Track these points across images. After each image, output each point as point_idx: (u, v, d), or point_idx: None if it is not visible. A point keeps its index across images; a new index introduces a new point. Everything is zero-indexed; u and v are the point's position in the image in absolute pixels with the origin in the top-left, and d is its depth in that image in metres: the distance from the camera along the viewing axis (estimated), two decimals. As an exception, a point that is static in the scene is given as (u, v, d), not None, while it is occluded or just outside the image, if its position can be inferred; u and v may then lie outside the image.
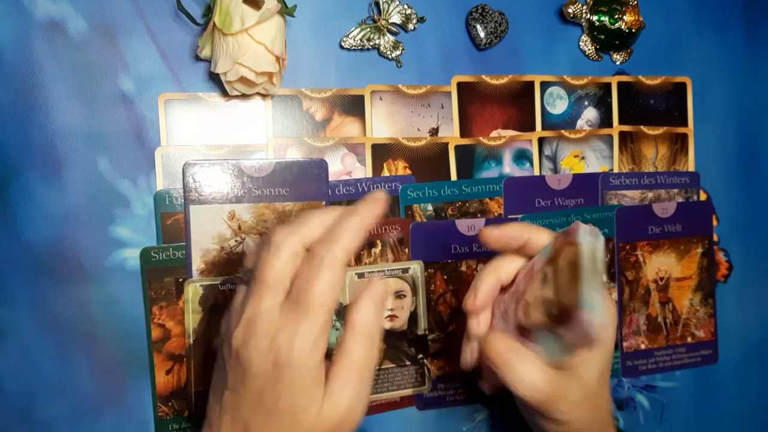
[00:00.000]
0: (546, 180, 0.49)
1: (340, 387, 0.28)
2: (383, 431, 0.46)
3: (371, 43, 0.45)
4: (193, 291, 0.41)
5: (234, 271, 0.42)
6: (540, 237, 0.35)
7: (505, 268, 0.36)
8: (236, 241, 0.42)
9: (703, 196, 0.54)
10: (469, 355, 0.38)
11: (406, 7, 0.45)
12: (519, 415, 0.40)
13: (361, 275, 0.44)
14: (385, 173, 0.46)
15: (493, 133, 0.48)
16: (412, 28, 0.46)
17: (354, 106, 0.45)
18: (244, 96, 0.42)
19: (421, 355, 0.46)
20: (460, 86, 0.47)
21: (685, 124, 0.54)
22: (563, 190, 0.49)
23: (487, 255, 0.47)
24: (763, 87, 0.56)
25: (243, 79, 0.38)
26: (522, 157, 0.49)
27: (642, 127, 0.52)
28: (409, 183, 0.46)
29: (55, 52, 0.40)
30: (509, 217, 0.48)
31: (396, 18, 0.45)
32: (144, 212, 0.41)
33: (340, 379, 0.29)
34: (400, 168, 0.46)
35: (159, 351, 0.41)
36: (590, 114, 0.51)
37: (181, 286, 0.41)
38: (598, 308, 0.29)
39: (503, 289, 0.37)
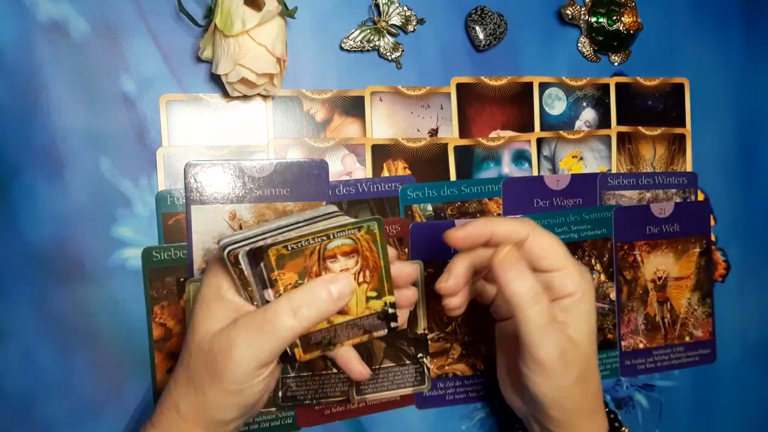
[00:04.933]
0: (545, 180, 0.49)
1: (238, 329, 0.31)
2: (383, 430, 0.46)
3: (371, 45, 0.45)
4: (195, 290, 0.41)
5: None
6: (503, 227, 0.36)
7: (479, 253, 0.37)
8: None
9: (700, 197, 0.54)
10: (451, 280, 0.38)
11: (405, 8, 0.46)
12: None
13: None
14: (385, 173, 0.46)
15: (492, 134, 0.49)
16: (412, 29, 0.46)
17: (354, 107, 0.45)
18: (245, 97, 0.42)
19: (420, 355, 0.46)
20: (460, 87, 0.48)
21: (683, 124, 0.54)
22: (562, 191, 0.50)
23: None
24: (762, 87, 0.56)
25: (244, 81, 0.39)
26: (521, 157, 0.49)
27: (640, 127, 0.53)
28: (409, 183, 0.46)
29: (56, 53, 0.40)
30: (508, 217, 0.48)
31: (396, 20, 0.46)
32: (145, 212, 0.41)
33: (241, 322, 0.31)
34: (400, 168, 0.46)
35: (160, 350, 0.41)
36: (588, 115, 0.51)
37: (183, 286, 0.41)
38: None
39: (477, 273, 0.38)
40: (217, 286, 0.32)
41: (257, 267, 0.31)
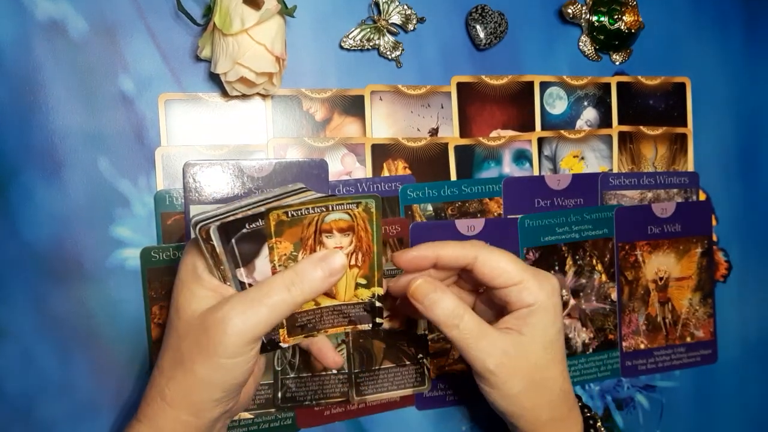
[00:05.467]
0: (545, 180, 0.49)
1: (232, 304, 0.31)
2: (383, 431, 0.46)
3: (371, 44, 0.45)
4: None
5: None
6: (449, 252, 0.37)
7: (447, 250, 0.37)
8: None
9: (702, 196, 0.54)
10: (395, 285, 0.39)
11: (405, 7, 0.45)
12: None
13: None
14: (385, 173, 0.46)
15: (493, 134, 0.48)
16: (412, 28, 0.46)
17: (354, 107, 0.45)
18: (244, 96, 0.42)
19: (421, 355, 0.46)
20: (460, 86, 0.47)
21: (684, 124, 0.54)
22: (563, 191, 0.49)
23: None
24: (763, 87, 0.56)
25: (243, 80, 0.38)
26: (521, 157, 0.49)
27: (641, 127, 0.52)
28: (409, 183, 0.46)
29: (55, 52, 0.40)
30: (509, 217, 0.48)
31: (396, 18, 0.45)
32: (144, 212, 0.41)
33: (237, 299, 0.31)
34: (400, 168, 0.46)
35: (159, 351, 0.41)
36: (590, 114, 0.51)
37: (182, 286, 0.41)
38: None
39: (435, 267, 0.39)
40: (193, 267, 0.32)
41: (228, 243, 0.31)
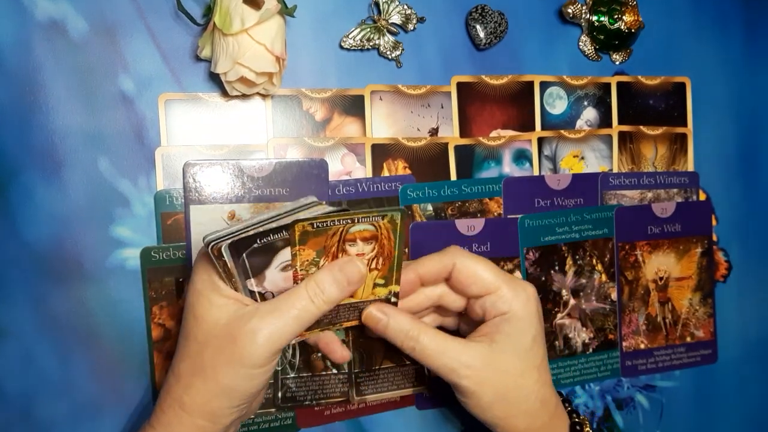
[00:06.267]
0: (545, 180, 0.49)
1: (261, 314, 0.32)
2: (383, 431, 0.46)
3: (371, 44, 0.45)
4: None
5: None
6: (427, 268, 0.38)
7: (426, 266, 0.38)
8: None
9: (702, 196, 0.54)
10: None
11: (405, 7, 0.45)
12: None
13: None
14: (385, 173, 0.46)
15: (493, 133, 0.48)
16: (412, 28, 0.46)
17: (354, 106, 0.45)
18: (244, 96, 0.42)
19: (421, 355, 0.46)
20: (460, 86, 0.47)
21: (684, 124, 0.54)
22: (563, 190, 0.49)
23: (486, 255, 0.47)
24: (763, 87, 0.56)
25: (243, 80, 0.38)
26: (521, 157, 0.49)
27: (641, 127, 0.52)
28: (409, 183, 0.46)
29: (55, 52, 0.40)
30: (509, 217, 0.48)
31: (396, 18, 0.45)
32: (144, 212, 0.41)
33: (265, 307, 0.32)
34: (400, 168, 0.46)
35: (159, 351, 0.41)
36: (590, 114, 0.51)
37: (182, 286, 0.41)
38: None
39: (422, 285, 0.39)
40: (209, 279, 0.33)
41: (240, 258, 0.31)
